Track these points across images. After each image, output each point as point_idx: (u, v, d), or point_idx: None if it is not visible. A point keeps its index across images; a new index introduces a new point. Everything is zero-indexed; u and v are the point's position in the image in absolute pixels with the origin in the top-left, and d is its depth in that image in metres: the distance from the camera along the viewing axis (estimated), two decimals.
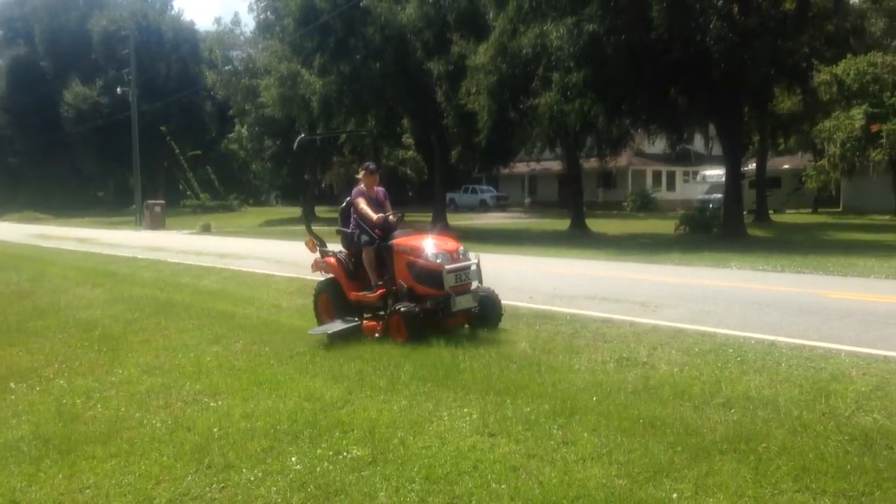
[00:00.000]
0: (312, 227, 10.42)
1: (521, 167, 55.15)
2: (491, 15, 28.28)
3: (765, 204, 38.36)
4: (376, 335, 8.79)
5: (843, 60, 38.05)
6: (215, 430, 5.89)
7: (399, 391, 6.67)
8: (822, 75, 36.16)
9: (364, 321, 9.19)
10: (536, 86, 25.37)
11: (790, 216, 41.72)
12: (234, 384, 7.24)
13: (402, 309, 8.51)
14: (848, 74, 38.91)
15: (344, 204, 9.88)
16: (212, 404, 6.65)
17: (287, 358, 8.24)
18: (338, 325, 9.03)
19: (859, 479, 4.45)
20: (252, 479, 4.94)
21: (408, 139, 47.03)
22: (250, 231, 38.72)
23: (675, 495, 4.41)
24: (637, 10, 23.32)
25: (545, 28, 24.82)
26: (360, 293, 9.31)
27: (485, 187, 59.64)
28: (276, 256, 21.50)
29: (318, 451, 5.32)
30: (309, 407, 6.32)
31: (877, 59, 40.67)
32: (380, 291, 9.12)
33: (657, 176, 56.27)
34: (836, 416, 5.67)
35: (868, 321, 9.49)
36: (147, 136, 55.45)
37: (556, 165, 42.85)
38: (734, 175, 28.25)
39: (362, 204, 9.38)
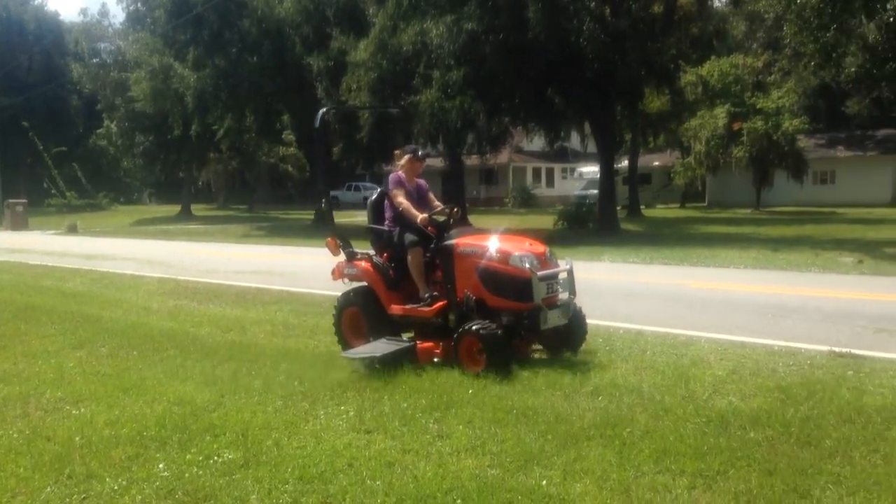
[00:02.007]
0: (216, 227, 9.61)
1: None
2: (371, 11, 28.17)
3: (637, 199, 39.96)
4: (436, 360, 7.11)
5: (708, 62, 40.22)
6: (77, 438, 5.60)
7: (274, 392, 6.55)
8: (688, 76, 38.07)
9: (418, 342, 7.33)
10: (418, 83, 25.48)
11: (660, 211, 43.63)
12: (98, 390, 6.90)
13: (479, 329, 6.74)
14: (712, 75, 41.17)
15: (374, 195, 8.17)
16: (74, 412, 6.32)
17: (156, 362, 7.93)
18: (382, 347, 7.19)
19: (715, 459, 4.69)
20: (116, 488, 4.73)
21: (289, 135, 46.29)
22: (121, 231, 37.10)
23: (544, 482, 4.51)
24: (514, 10, 23.79)
25: (425, 25, 24.95)
26: (407, 307, 7.45)
27: (368, 184, 59.39)
28: (148, 257, 20.71)
29: (188, 456, 5.15)
30: (178, 411, 6.11)
31: (738, 60, 43.21)
32: (438, 305, 7.28)
33: (537, 172, 57.59)
34: (694, 399, 5.97)
35: (727, 309, 10.04)
36: (7, 132, 52.22)
37: (438, 162, 43.23)
38: (608, 172, 29.28)
39: (400, 196, 7.60)
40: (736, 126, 40.02)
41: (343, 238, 8.05)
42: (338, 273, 8.02)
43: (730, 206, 42.96)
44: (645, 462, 4.72)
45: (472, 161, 42.47)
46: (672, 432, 5.17)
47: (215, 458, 5.09)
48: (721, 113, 40.52)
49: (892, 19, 18.20)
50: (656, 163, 51.17)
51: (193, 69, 32.22)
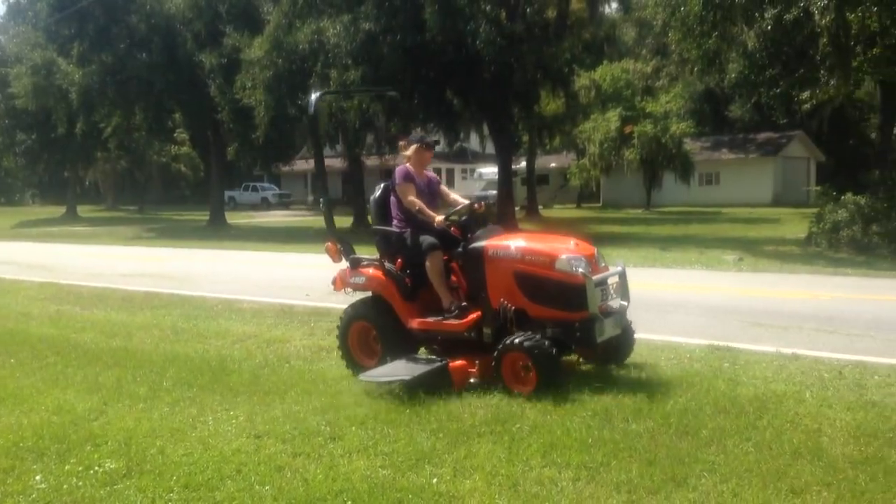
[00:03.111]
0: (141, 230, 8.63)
1: (304, 164, 54.53)
2: (265, 8, 27.68)
3: (535, 200, 40.74)
4: (472, 380, 6.27)
5: (600, 67, 41.41)
6: None
7: (161, 398, 6.36)
8: (582, 80, 39.08)
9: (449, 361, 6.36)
10: (315, 82, 25.19)
11: (557, 211, 44.63)
12: None
13: (526, 343, 5.95)
14: (604, 80, 42.41)
15: (378, 192, 7.14)
16: None
17: (35, 369, 7.56)
18: (406, 368, 6.30)
19: (599, 451, 4.84)
20: None
21: (181, 134, 44.94)
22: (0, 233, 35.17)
23: (434, 480, 4.55)
24: (411, 11, 23.84)
25: (322, 24, 24.71)
26: (430, 320, 6.57)
27: (266, 185, 58.40)
28: (29, 260, 19.70)
29: (67, 467, 4.94)
30: (58, 421, 5.85)
31: (629, 66, 44.69)
32: (472, 316, 6.39)
33: (438, 173, 57.63)
34: (581, 394, 6.13)
35: None
36: None
37: (339, 163, 42.89)
38: (506, 172, 29.74)
39: (411, 194, 6.71)
40: (627, 129, 41.37)
41: (345, 242, 7.15)
42: (340, 283, 7.07)
43: (623, 207, 44.34)
44: (533, 456, 4.82)
45: (372, 162, 42.33)
46: (559, 426, 5.30)
47: (96, 468, 4.90)
48: (613, 116, 41.81)
49: (769, 28, 19.16)
50: (553, 164, 52.28)
51: (78, 65, 30.87)
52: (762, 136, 46.29)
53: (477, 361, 6.31)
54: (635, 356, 7.18)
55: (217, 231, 31.84)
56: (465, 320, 6.38)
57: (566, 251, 6.22)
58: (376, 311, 6.84)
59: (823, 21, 17.43)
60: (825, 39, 17.93)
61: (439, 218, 6.56)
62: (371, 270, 6.84)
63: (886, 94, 25.32)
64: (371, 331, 6.90)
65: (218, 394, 6.40)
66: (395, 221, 6.85)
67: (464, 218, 6.68)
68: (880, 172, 20.47)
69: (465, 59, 24.73)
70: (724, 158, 45.77)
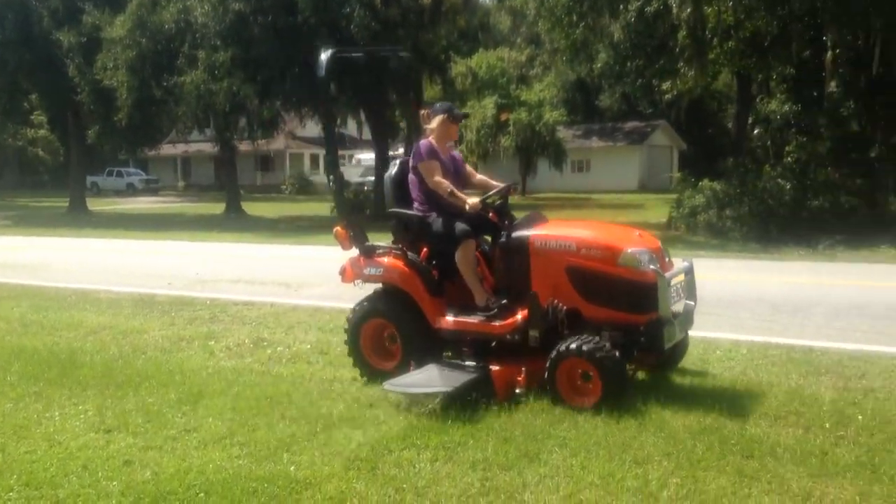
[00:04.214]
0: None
1: (173, 149, 52.56)
2: None
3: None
4: (518, 391, 5.44)
5: (476, 54, 41.92)
6: None
7: (4, 394, 5.98)
8: (458, 67, 39.46)
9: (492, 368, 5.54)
10: (182, 63, 24.30)
11: None
12: None
13: (590, 349, 5.14)
14: (480, 67, 42.97)
15: (394, 169, 6.25)
16: None
17: None
18: (440, 376, 5.47)
19: (457, 431, 4.90)
20: None
21: (38, 116, 42.34)
22: None
23: (292, 468, 4.49)
24: None
25: (188, 3, 23.85)
26: (463, 319, 5.72)
27: (133, 170, 55.90)
28: None
29: None
30: None
31: (504, 54, 45.46)
32: (518, 316, 5.56)
33: (315, 159, 57.06)
34: None
35: None
36: None
37: (210, 147, 41.57)
38: (383, 159, 29.64)
39: (437, 174, 5.82)
40: (504, 116, 42.06)
41: (357, 226, 6.21)
42: (351, 273, 6.17)
43: None
44: (393, 440, 4.84)
45: (245, 147, 41.25)
46: (420, 410, 5.34)
47: None
48: (489, 104, 42.42)
49: (633, 20, 19.91)
50: None
51: None
52: (629, 125, 48.13)
53: (523, 368, 5.45)
54: None
55: (77, 218, 30.23)
56: (509, 321, 5.55)
57: (631, 244, 5.45)
58: (396, 307, 5.94)
59: (682, 14, 18.27)
60: (684, 32, 18.81)
61: (473, 200, 5.65)
62: (390, 260, 5.95)
63: (742, 86, 26.83)
64: (387, 329, 6.06)
65: (66, 388, 6.08)
66: (416, 204, 5.96)
67: (499, 202, 5.86)
68: (734, 160, 21.65)
69: (340, 43, 24.40)
70: (595, 146, 47.31)
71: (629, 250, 5.34)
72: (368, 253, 6.07)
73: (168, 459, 4.68)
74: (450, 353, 5.84)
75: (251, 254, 16.44)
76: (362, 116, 35.89)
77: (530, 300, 5.45)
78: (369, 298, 6.18)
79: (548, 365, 5.27)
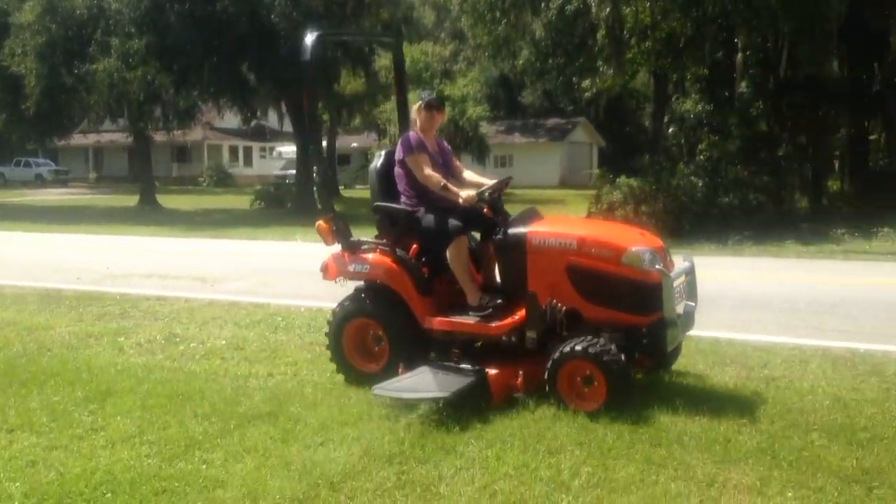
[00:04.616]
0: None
1: (84, 139, 50.74)
2: None
3: (336, 180, 40.49)
4: (518, 394, 5.22)
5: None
6: None
7: None
8: (382, 60, 39.21)
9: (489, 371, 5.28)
10: (94, 50, 23.50)
11: (359, 191, 44.60)
12: None
13: (593, 351, 4.94)
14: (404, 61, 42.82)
15: (378, 161, 5.98)
16: None
17: None
18: (434, 380, 5.16)
19: (375, 425, 4.89)
20: None
21: None
22: None
23: (203, 466, 4.41)
24: None
25: None
26: (459, 319, 5.47)
27: (41, 160, 53.71)
28: None
29: None
30: None
31: (428, 48, 45.42)
32: (515, 317, 5.35)
33: (234, 151, 56.02)
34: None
35: None
36: None
37: (124, 138, 40.28)
38: (305, 152, 29.28)
39: (427, 166, 5.57)
40: None
41: (340, 221, 5.89)
42: (334, 270, 5.83)
43: None
44: (309, 435, 4.80)
45: (161, 137, 40.17)
46: (337, 404, 5.31)
47: None
48: (414, 97, 42.22)
49: (554, 18, 20.21)
50: (355, 144, 52.17)
51: None
52: (551, 121, 48.84)
53: (521, 371, 5.25)
54: None
55: None
56: (506, 322, 5.32)
57: (635, 242, 5.28)
58: (383, 307, 5.65)
59: (601, 14, 18.65)
60: (603, 31, 19.20)
61: (467, 194, 5.40)
62: (377, 256, 5.67)
63: (658, 85, 27.59)
64: (372, 329, 5.77)
65: None
66: (403, 198, 5.69)
67: (494, 196, 5.59)
68: (651, 158, 22.24)
69: (260, 33, 24.01)
70: (517, 142, 47.83)
71: (633, 249, 5.16)
72: (353, 248, 5.76)
73: (74, 459, 4.52)
74: (433, 355, 5.58)
75: (165, 248, 16.03)
76: (284, 108, 35.44)
77: (529, 300, 5.21)
78: (353, 297, 5.85)
79: (549, 367, 5.04)
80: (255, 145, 56.29)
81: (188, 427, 4.98)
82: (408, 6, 33.24)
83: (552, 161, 46.69)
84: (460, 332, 5.47)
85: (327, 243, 5.93)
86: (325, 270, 5.93)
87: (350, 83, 36.66)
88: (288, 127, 40.36)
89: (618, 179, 19.60)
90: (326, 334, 5.91)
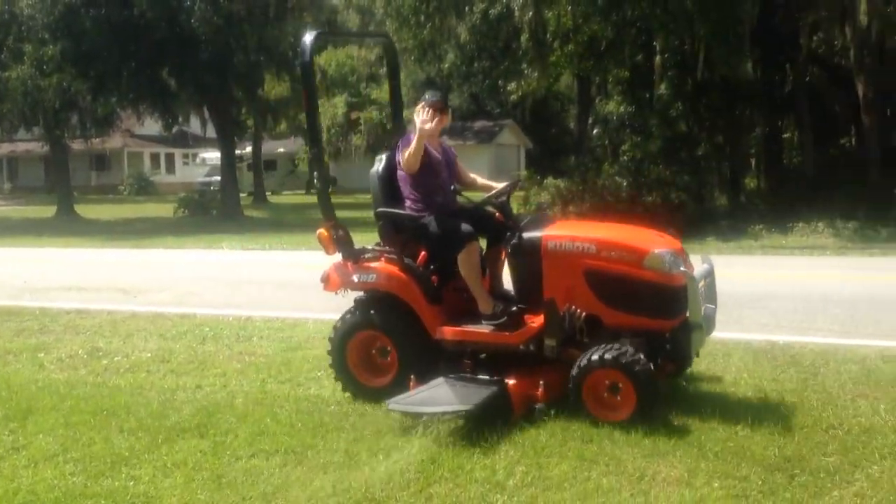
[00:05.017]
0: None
1: None
2: None
3: (262, 186, 39.96)
4: (538, 406, 4.95)
5: (325, 52, 41.46)
6: None
7: None
8: None
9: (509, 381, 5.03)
10: (6, 57, 22.69)
11: (287, 197, 44.16)
12: None
13: (621, 359, 4.74)
14: (329, 65, 42.54)
15: (380, 165, 5.73)
16: None
17: None
18: (458, 394, 4.88)
19: (308, 434, 4.85)
20: None
21: None
22: None
23: (131, 483, 4.29)
24: None
25: None
26: (474, 329, 5.25)
27: None
28: None
29: None
30: None
31: (353, 52, 45.19)
32: (534, 325, 5.12)
33: (156, 158, 54.61)
34: (294, 380, 6.13)
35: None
36: None
37: (39, 147, 38.82)
38: (229, 157, 28.85)
39: (407, 150, 5.32)
40: (353, 115, 41.93)
41: (343, 228, 5.60)
42: (336, 281, 5.54)
43: (353, 192, 44.80)
44: (240, 447, 4.72)
45: (79, 145, 38.92)
46: (269, 415, 5.24)
47: None
48: (340, 102, 42.13)
49: (478, 21, 20.38)
50: (281, 149, 51.55)
51: None
52: (478, 124, 49.07)
53: (541, 381, 5.02)
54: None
55: None
56: (524, 330, 5.11)
57: (657, 244, 5.11)
58: (391, 318, 5.38)
59: (524, 18, 18.89)
60: (526, 35, 19.43)
61: (421, 121, 5.15)
62: (384, 265, 5.40)
63: (582, 88, 28.07)
64: (379, 342, 5.49)
65: None
66: (408, 203, 5.47)
67: (502, 199, 5.37)
68: (576, 159, 22.62)
69: (180, 38, 23.56)
70: (446, 145, 47.94)
71: (656, 251, 4.99)
72: (354, 257, 5.47)
73: None
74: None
75: (85, 259, 15.55)
76: (206, 113, 34.80)
77: (547, 307, 4.99)
78: (356, 308, 5.55)
79: (574, 377, 4.84)
80: (178, 152, 55.00)
81: (114, 443, 4.85)
82: (331, 9, 32.99)
83: (480, 163, 46.85)
84: (474, 342, 5.23)
85: (328, 252, 5.65)
86: (327, 281, 5.62)
87: (275, 87, 36.19)
88: (211, 132, 39.68)
89: (545, 180, 19.87)
90: (329, 352, 5.60)
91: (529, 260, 5.14)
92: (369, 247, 5.58)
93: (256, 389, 5.91)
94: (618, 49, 21.40)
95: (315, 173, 5.57)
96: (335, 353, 5.56)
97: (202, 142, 51.00)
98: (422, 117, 5.22)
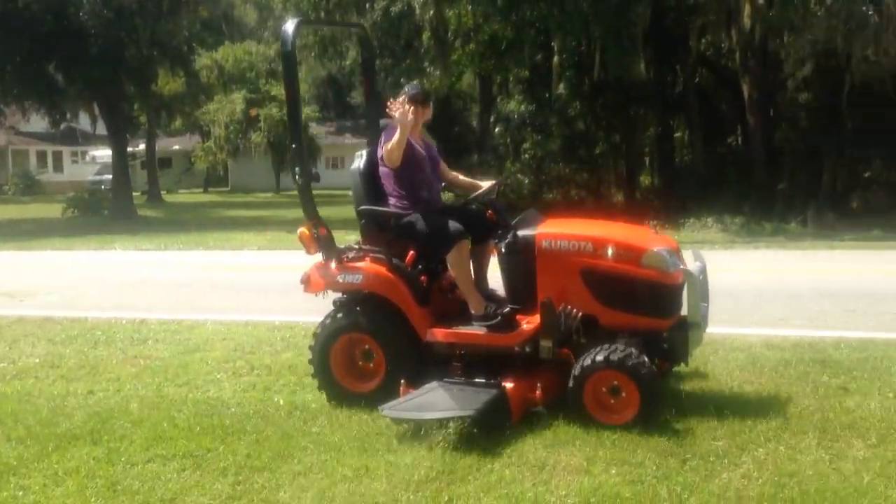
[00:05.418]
0: None
1: None
2: None
3: (157, 184, 38.70)
4: (537, 408, 4.89)
5: (222, 47, 40.54)
6: None
7: None
8: (203, 59, 37.90)
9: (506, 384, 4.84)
10: None
11: (183, 196, 42.91)
12: None
13: (628, 361, 4.60)
14: (227, 60, 41.61)
15: (360, 161, 5.49)
16: None
17: None
18: (456, 398, 4.70)
19: (206, 438, 4.73)
20: None
21: None
22: None
23: (20, 493, 4.10)
24: None
25: None
26: (467, 330, 5.08)
27: None
28: None
29: None
30: None
31: (252, 47, 44.33)
32: (530, 325, 4.93)
33: (42, 156, 52.01)
34: (192, 383, 5.98)
35: (237, 291, 10.29)
36: None
37: None
38: (120, 155, 27.85)
39: (389, 143, 5.13)
40: (253, 112, 41.13)
41: (326, 228, 5.30)
42: (319, 282, 5.29)
43: (252, 191, 44.01)
44: (136, 453, 4.58)
45: None
46: (165, 419, 5.09)
47: None
48: (238, 98, 41.26)
49: (379, 18, 20.32)
50: (176, 146, 50.07)
51: None
52: (382, 121, 48.30)
53: (539, 383, 4.89)
54: (253, 339, 7.18)
55: None
56: (518, 331, 4.95)
57: (654, 242, 5.05)
58: (378, 320, 5.16)
59: (425, 16, 18.96)
60: (427, 33, 19.51)
61: (400, 113, 4.96)
62: (370, 265, 5.16)
63: (484, 87, 28.37)
64: (363, 345, 5.27)
65: None
66: (392, 200, 5.27)
67: (490, 197, 5.27)
68: (479, 156, 22.87)
69: (68, 31, 22.54)
70: (349, 143, 47.53)
71: (654, 249, 4.91)
72: (337, 257, 5.22)
73: None
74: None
75: None
76: (97, 110, 33.46)
77: (544, 307, 4.82)
78: (340, 310, 5.28)
79: (574, 380, 4.70)
80: (66, 150, 52.51)
81: (1, 452, 4.62)
82: (228, 4, 32.26)
83: None
84: (467, 344, 5.07)
85: (309, 252, 5.38)
86: (307, 283, 5.35)
87: (169, 83, 35.14)
88: (102, 129, 38.14)
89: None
90: (310, 361, 5.35)
91: (523, 259, 5.00)
92: (353, 246, 5.35)
93: (152, 393, 5.74)
94: (518, 49, 21.76)
95: (297, 169, 5.23)
96: (317, 359, 5.28)
97: (92, 139, 48.84)
98: (401, 110, 5.02)
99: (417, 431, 4.62)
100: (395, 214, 5.23)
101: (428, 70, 21.64)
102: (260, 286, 10.71)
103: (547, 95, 23.85)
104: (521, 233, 5.02)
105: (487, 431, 4.48)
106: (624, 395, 4.67)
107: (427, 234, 5.12)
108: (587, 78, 21.43)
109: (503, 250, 5.06)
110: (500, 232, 5.15)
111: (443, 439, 4.52)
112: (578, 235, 5.00)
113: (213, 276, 11.41)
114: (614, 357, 4.61)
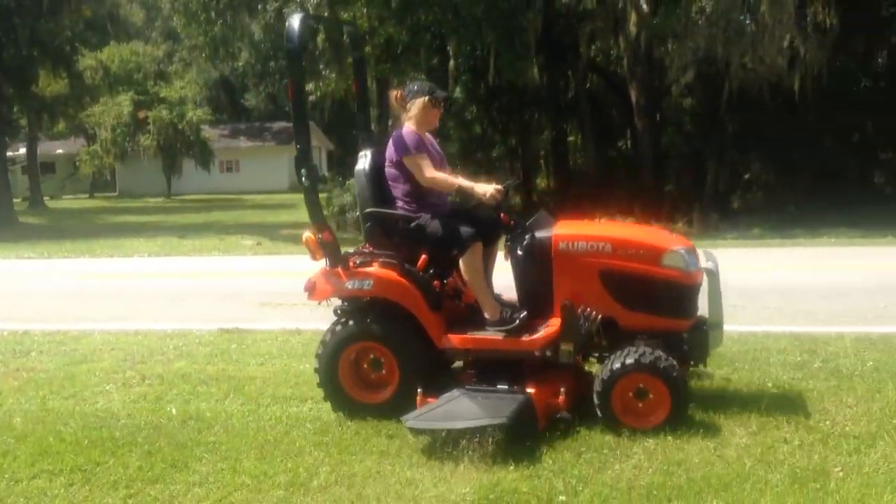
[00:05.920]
0: None
1: None
2: None
3: (39, 190, 36.87)
4: (562, 415, 4.69)
5: (107, 47, 39.03)
6: None
7: None
8: (87, 60, 36.38)
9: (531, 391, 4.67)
10: None
11: (67, 202, 41.09)
12: None
13: (655, 363, 4.50)
14: (113, 61, 40.09)
15: (365, 162, 5.18)
16: None
17: None
18: (484, 406, 4.48)
19: (96, 451, 4.55)
20: None
21: None
22: None
23: None
24: None
25: None
26: (485, 336, 4.86)
27: None
28: None
29: None
30: None
31: (139, 48, 42.88)
32: (550, 329, 4.76)
33: None
34: (79, 395, 5.75)
35: (125, 299, 9.92)
36: None
37: None
38: (2, 160, 26.45)
39: (429, 168, 4.91)
40: (141, 114, 39.80)
41: (332, 232, 5.06)
42: (326, 289, 5.04)
43: (141, 196, 42.51)
44: (20, 469, 4.37)
45: None
46: (51, 433, 4.88)
47: None
48: (125, 100, 39.85)
49: (272, 20, 20.01)
50: (60, 150, 47.88)
51: None
52: (277, 125, 48.23)
53: (562, 388, 4.73)
54: (143, 348, 6.95)
55: None
56: (539, 335, 4.77)
57: (673, 242, 4.94)
58: (391, 327, 4.93)
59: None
60: (322, 35, 19.33)
61: (493, 189, 4.80)
62: (380, 270, 4.93)
63: (381, 90, 28.30)
64: (373, 354, 5.03)
65: None
66: (400, 203, 5.05)
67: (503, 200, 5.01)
68: None
69: None
70: (243, 146, 46.72)
71: (674, 249, 4.84)
72: (343, 264, 4.96)
73: None
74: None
75: None
76: None
77: (564, 309, 4.70)
78: (350, 318, 5.03)
79: (601, 385, 4.58)
80: None
81: None
82: (113, 3, 31.11)
83: (280, 165, 46.10)
84: (486, 350, 4.88)
85: (314, 258, 5.13)
86: (312, 290, 5.09)
87: (50, 84, 33.57)
88: None
89: (348, 182, 19.94)
90: (316, 370, 5.07)
91: (538, 261, 4.87)
92: (360, 251, 5.13)
93: (36, 407, 5.48)
94: (414, 52, 21.85)
95: (303, 170, 4.92)
96: (324, 369, 5.02)
97: None
98: (492, 193, 4.83)
99: (445, 443, 4.39)
100: (403, 217, 5.04)
101: (323, 73, 21.47)
102: (151, 294, 10.38)
103: None
104: (537, 235, 4.91)
105: (516, 440, 4.35)
106: (652, 397, 4.59)
107: (438, 237, 4.94)
108: (483, 82, 21.75)
109: (518, 253, 4.94)
110: (511, 234, 5.04)
111: (340, 443, 4.51)
112: (597, 236, 4.89)
113: (100, 285, 10.95)
114: (645, 360, 4.53)
